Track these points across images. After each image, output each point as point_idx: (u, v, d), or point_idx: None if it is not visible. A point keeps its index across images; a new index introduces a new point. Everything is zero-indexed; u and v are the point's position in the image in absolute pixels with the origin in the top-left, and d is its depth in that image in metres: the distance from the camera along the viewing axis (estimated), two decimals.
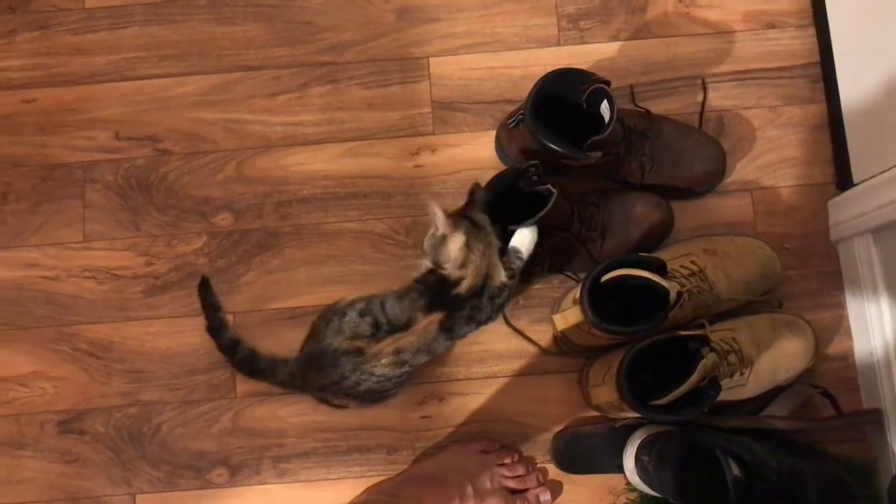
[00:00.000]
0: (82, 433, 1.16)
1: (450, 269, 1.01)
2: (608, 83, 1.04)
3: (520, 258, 1.05)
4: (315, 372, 1.05)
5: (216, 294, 1.18)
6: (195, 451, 1.16)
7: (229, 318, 1.18)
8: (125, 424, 1.16)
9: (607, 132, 1.02)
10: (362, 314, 1.02)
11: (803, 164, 1.22)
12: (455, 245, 1.01)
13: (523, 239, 1.05)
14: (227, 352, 1.14)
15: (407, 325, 1.01)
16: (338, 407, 1.11)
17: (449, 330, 1.02)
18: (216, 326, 1.15)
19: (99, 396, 1.17)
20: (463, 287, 1.01)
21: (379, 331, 1.01)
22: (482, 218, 1.03)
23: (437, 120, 1.24)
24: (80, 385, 1.17)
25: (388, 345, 1.01)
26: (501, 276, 1.03)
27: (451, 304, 1.02)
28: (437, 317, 1.01)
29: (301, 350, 1.09)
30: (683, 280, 1.07)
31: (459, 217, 1.03)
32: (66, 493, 1.15)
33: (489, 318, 1.05)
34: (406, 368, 1.04)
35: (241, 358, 1.13)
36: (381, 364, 1.01)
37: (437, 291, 1.02)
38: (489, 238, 1.02)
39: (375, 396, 1.07)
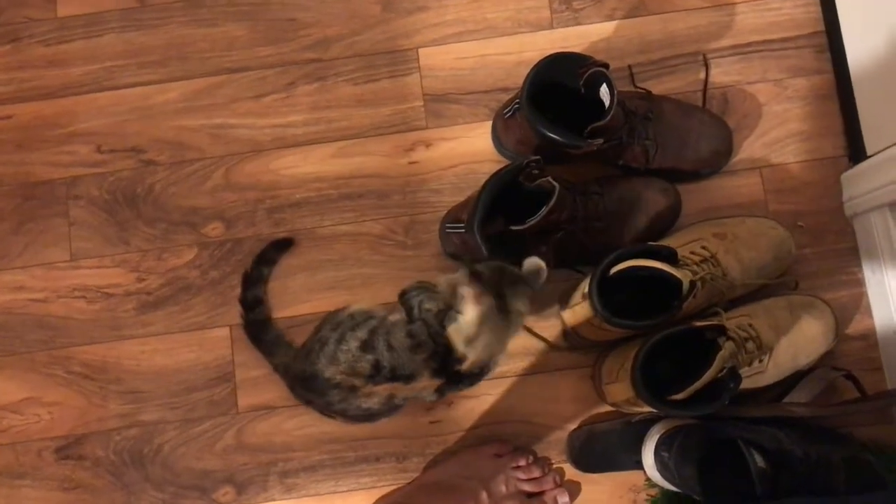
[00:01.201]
0: (81, 458, 1.12)
1: (457, 341, 0.93)
2: (606, 66, 0.99)
3: (529, 286, 0.97)
4: (304, 390, 1.01)
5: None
6: (199, 471, 1.12)
7: (226, 330, 1.14)
8: (125, 447, 1.13)
9: (608, 117, 0.98)
10: (364, 348, 0.94)
11: (813, 138, 1.17)
12: (469, 317, 0.91)
13: (532, 268, 0.97)
14: (247, 306, 1.10)
15: (409, 378, 0.94)
16: (329, 416, 1.06)
17: (441, 393, 0.98)
18: (253, 279, 1.11)
19: (96, 420, 1.13)
20: (465, 365, 0.94)
21: (379, 374, 0.94)
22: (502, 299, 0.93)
23: (430, 113, 1.19)
24: (76, 409, 1.13)
25: (383, 389, 0.95)
26: (504, 350, 0.98)
27: (452, 376, 0.96)
28: (437, 382, 0.96)
29: (301, 346, 1.04)
30: (695, 267, 1.03)
31: (484, 291, 0.92)
32: None
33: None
34: (388, 407, 0.99)
35: (254, 319, 1.10)
36: (372, 402, 0.97)
37: (443, 359, 0.94)
38: (506, 323, 0.93)
39: (363, 419, 1.03)
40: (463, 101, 1.19)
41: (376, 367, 0.93)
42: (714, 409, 0.95)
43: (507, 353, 1.07)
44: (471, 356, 0.94)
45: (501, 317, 0.93)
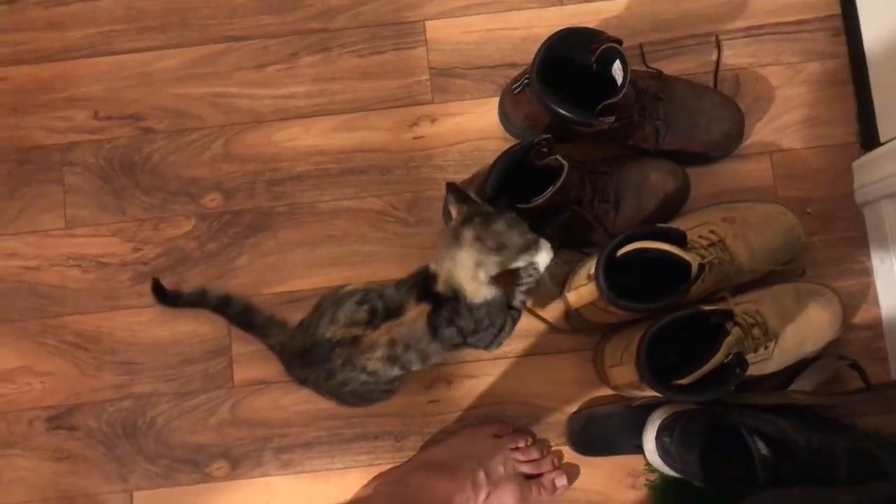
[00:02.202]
0: (73, 429, 1.11)
1: (433, 263, 0.96)
2: (620, 42, 0.97)
3: (536, 270, 0.98)
4: (300, 367, 0.99)
5: (166, 287, 1.05)
6: (193, 445, 1.10)
7: None
8: (118, 419, 1.11)
9: (621, 95, 0.95)
10: (360, 303, 0.96)
11: (825, 124, 1.15)
12: (442, 237, 0.96)
13: (540, 251, 0.97)
14: (220, 310, 1.05)
15: (399, 310, 0.95)
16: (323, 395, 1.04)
17: (434, 329, 0.95)
18: (197, 301, 1.05)
19: (89, 390, 1.11)
20: (439, 285, 0.95)
21: (375, 317, 0.95)
22: (470, 243, 0.94)
23: (436, 88, 1.16)
24: (68, 379, 1.11)
25: (382, 333, 0.94)
26: (478, 293, 0.95)
27: (434, 298, 0.95)
28: (424, 308, 0.95)
29: (297, 327, 1.02)
30: (703, 251, 1.01)
31: (465, 213, 0.95)
32: (60, 492, 1.10)
33: (476, 335, 0.97)
34: (396, 371, 0.97)
35: (235, 312, 1.05)
36: (375, 357, 0.94)
37: (424, 282, 0.97)
38: (459, 258, 0.94)
39: (358, 401, 1.02)
40: (469, 75, 1.17)
41: (372, 312, 0.95)
42: (719, 395, 0.94)
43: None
44: (440, 279, 0.95)
45: (453, 246, 0.94)
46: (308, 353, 0.97)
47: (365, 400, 1.03)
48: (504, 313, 0.99)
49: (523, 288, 1.01)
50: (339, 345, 0.94)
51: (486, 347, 1.00)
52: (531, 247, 0.95)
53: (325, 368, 0.96)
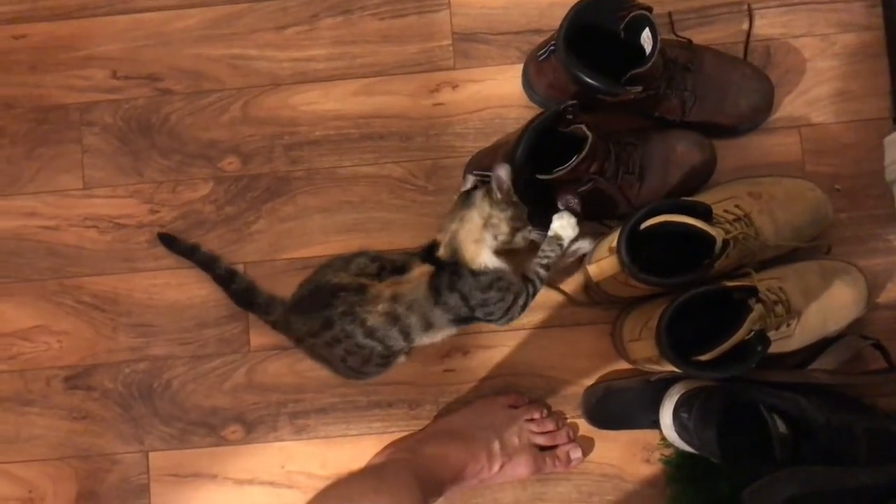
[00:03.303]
0: (90, 389, 1.11)
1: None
2: (650, 9, 0.94)
3: (560, 245, 0.98)
4: (298, 316, 0.98)
5: (181, 240, 1.11)
6: (208, 408, 1.10)
7: (240, 267, 1.12)
8: (134, 380, 1.11)
9: (649, 64, 0.93)
10: (373, 260, 0.98)
11: (857, 98, 1.12)
12: (454, 203, 0.99)
13: (564, 224, 0.98)
14: (224, 282, 1.08)
15: (403, 269, 0.97)
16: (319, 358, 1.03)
17: (436, 291, 0.95)
18: (206, 262, 1.09)
19: (106, 351, 1.11)
20: (441, 249, 0.97)
21: (383, 271, 0.97)
22: (481, 198, 0.97)
23: (459, 53, 1.14)
24: (85, 340, 1.12)
25: (387, 286, 0.95)
26: (479, 259, 0.96)
27: (436, 262, 0.97)
28: (427, 268, 0.96)
29: (298, 288, 1.02)
30: (728, 226, 0.99)
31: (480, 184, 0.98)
32: (77, 451, 1.10)
33: (485, 308, 0.97)
34: (395, 336, 0.95)
35: (238, 289, 1.07)
36: (377, 311, 0.94)
37: (430, 247, 0.99)
38: (467, 216, 0.96)
39: (349, 370, 1.00)
40: (493, 41, 1.14)
41: (381, 268, 0.97)
42: (740, 372, 0.93)
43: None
44: (442, 245, 0.97)
45: (460, 211, 0.98)
46: (308, 298, 0.96)
47: (356, 371, 1.01)
48: (514, 287, 0.97)
49: (544, 261, 1.00)
50: (344, 290, 0.94)
51: (498, 321, 0.99)
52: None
53: (322, 315, 0.94)
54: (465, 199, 0.98)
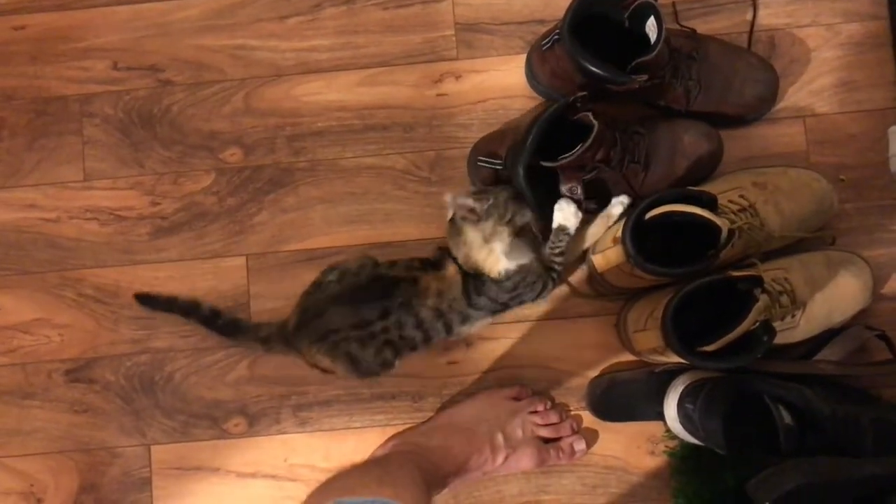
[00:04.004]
0: (91, 382, 1.10)
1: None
2: None
3: (567, 234, 1.00)
4: (346, 307, 0.97)
5: (157, 295, 1.09)
6: (210, 401, 1.10)
7: (242, 259, 1.11)
8: (136, 373, 1.10)
9: (654, 52, 0.92)
10: (412, 259, 1.02)
11: (863, 88, 1.12)
12: (448, 234, 1.01)
13: (566, 214, 0.99)
14: (210, 322, 1.07)
15: (439, 265, 1.00)
16: (324, 371, 1.03)
17: (468, 295, 0.99)
18: (188, 309, 1.07)
19: (107, 344, 1.11)
20: (462, 265, 1.00)
21: (426, 266, 1.01)
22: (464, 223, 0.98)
23: (462, 43, 1.13)
24: (86, 332, 1.11)
25: (433, 279, 0.98)
26: (497, 268, 0.98)
27: (463, 271, 1.00)
28: (460, 273, 0.99)
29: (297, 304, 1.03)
30: (733, 216, 0.98)
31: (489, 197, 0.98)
32: (78, 444, 1.10)
33: (516, 300, 1.00)
34: (439, 327, 0.99)
35: (224, 322, 1.06)
36: (427, 305, 0.97)
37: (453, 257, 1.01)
38: (467, 240, 0.98)
39: (379, 359, 1.00)
40: (496, 31, 1.14)
41: (424, 262, 1.02)
42: (745, 363, 0.92)
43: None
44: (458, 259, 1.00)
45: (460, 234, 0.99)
46: (364, 288, 0.98)
47: (383, 364, 1.01)
48: (541, 277, 1.00)
49: (556, 251, 1.01)
50: (404, 281, 0.97)
51: (533, 301, 1.02)
52: (519, 196, 0.98)
53: (382, 305, 0.96)
54: (453, 226, 1.00)
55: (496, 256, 0.98)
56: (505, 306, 1.01)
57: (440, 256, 1.01)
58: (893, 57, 1.11)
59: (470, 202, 0.96)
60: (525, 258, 0.99)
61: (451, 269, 0.99)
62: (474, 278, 0.99)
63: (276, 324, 1.04)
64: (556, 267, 1.01)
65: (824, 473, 0.89)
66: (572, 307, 1.10)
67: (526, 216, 0.99)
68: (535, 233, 1.02)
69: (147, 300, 1.09)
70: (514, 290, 0.99)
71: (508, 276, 0.98)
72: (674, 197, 0.92)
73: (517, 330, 1.10)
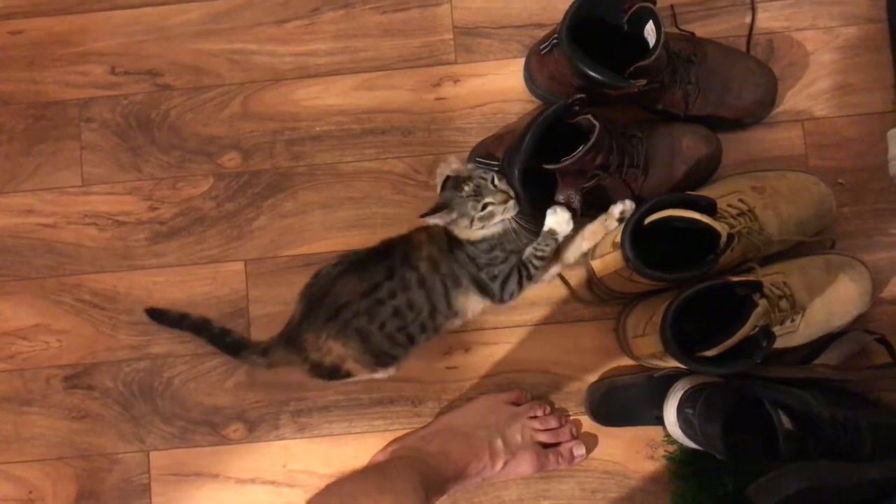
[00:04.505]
0: (90, 388, 1.10)
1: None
2: (653, 1, 0.93)
3: (555, 239, 1.00)
4: (354, 274, 0.99)
5: (168, 311, 1.09)
6: (209, 407, 1.10)
7: (240, 265, 1.11)
8: (135, 379, 1.10)
9: (654, 56, 0.92)
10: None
11: (861, 91, 1.12)
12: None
13: (559, 220, 0.99)
14: (218, 341, 1.06)
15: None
16: (329, 373, 1.03)
17: (449, 244, 1.00)
18: (198, 326, 1.07)
19: (106, 350, 1.10)
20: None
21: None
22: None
23: (460, 47, 1.13)
24: (85, 338, 1.11)
25: (422, 233, 1.02)
26: (474, 237, 0.99)
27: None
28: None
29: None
30: (732, 221, 0.98)
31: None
32: (77, 451, 1.10)
33: (489, 268, 1.00)
34: (438, 288, 0.99)
35: (232, 341, 1.06)
36: (423, 256, 0.99)
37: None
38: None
39: (385, 335, 0.99)
40: (495, 35, 1.13)
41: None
42: (745, 368, 0.92)
43: (530, 300, 1.06)
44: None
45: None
46: (366, 257, 1.00)
47: (391, 342, 1.01)
48: (515, 252, 1.00)
49: (539, 254, 1.01)
50: (398, 241, 1.01)
51: (501, 294, 1.01)
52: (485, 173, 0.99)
53: (385, 266, 0.99)
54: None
55: (474, 232, 0.99)
56: (479, 270, 1.00)
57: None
58: (891, 60, 1.11)
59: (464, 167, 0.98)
60: (501, 229, 0.99)
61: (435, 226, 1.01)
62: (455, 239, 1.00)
63: (275, 336, 1.04)
64: (532, 269, 1.01)
65: (824, 477, 0.89)
66: (571, 312, 1.10)
67: (506, 214, 0.98)
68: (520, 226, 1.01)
69: (157, 315, 1.08)
70: (491, 251, 1.00)
71: (484, 239, 1.00)
72: (672, 202, 0.92)
73: (516, 335, 1.10)
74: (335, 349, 1.00)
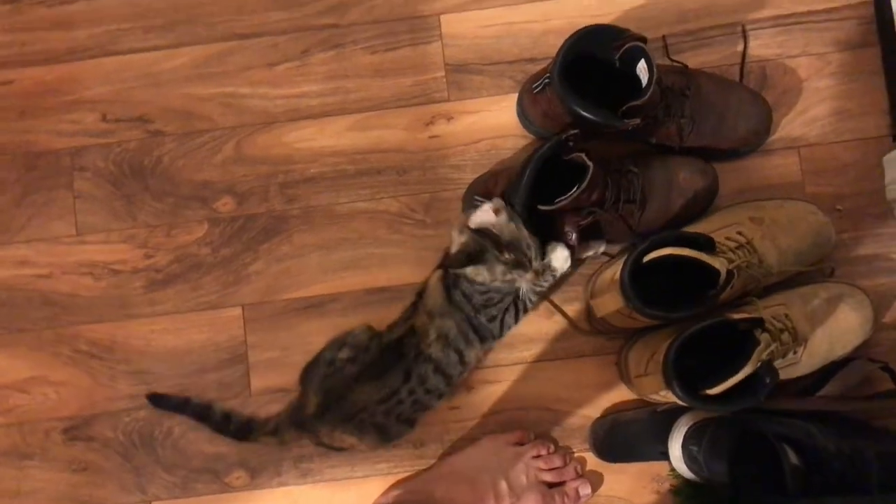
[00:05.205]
0: (90, 440, 1.09)
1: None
2: (644, 40, 0.93)
3: (553, 275, 1.01)
4: (369, 383, 0.98)
5: (171, 396, 1.08)
6: (211, 454, 1.09)
7: (238, 310, 1.10)
8: (135, 429, 1.09)
9: (646, 96, 0.92)
10: (403, 311, 1.04)
11: (856, 117, 1.11)
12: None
13: (558, 257, 1.00)
14: (222, 428, 1.05)
15: (421, 293, 1.03)
16: (338, 449, 1.03)
17: (447, 289, 1.00)
18: (200, 412, 1.06)
19: (105, 400, 1.10)
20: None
21: (415, 308, 1.02)
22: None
23: (452, 84, 1.13)
24: (83, 389, 1.10)
25: (421, 310, 1.01)
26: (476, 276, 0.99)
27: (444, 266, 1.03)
28: (439, 272, 1.02)
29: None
30: (731, 254, 0.98)
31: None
32: (79, 503, 1.08)
33: (484, 311, 1.01)
34: (453, 359, 1.00)
35: (236, 427, 1.05)
36: (433, 340, 0.99)
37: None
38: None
39: (403, 421, 1.01)
40: (486, 71, 1.13)
41: (412, 305, 1.04)
42: (748, 405, 0.91)
43: (530, 336, 1.05)
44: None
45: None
46: (377, 362, 0.99)
47: (408, 424, 1.02)
48: (510, 287, 1.00)
49: (536, 289, 1.02)
50: (406, 336, 0.99)
51: (500, 332, 1.03)
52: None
53: (401, 368, 0.98)
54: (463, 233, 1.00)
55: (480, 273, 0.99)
56: (476, 312, 1.00)
57: (421, 286, 1.03)
58: (885, 84, 1.11)
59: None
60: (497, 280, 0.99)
61: (433, 279, 1.01)
62: (454, 274, 1.00)
63: (282, 413, 1.04)
64: (528, 304, 1.02)
65: None
66: (572, 347, 1.09)
67: (511, 273, 0.98)
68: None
69: (159, 401, 1.08)
70: (487, 292, 0.99)
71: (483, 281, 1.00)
72: (670, 240, 0.91)
73: (517, 372, 1.09)
74: (350, 440, 1.01)
